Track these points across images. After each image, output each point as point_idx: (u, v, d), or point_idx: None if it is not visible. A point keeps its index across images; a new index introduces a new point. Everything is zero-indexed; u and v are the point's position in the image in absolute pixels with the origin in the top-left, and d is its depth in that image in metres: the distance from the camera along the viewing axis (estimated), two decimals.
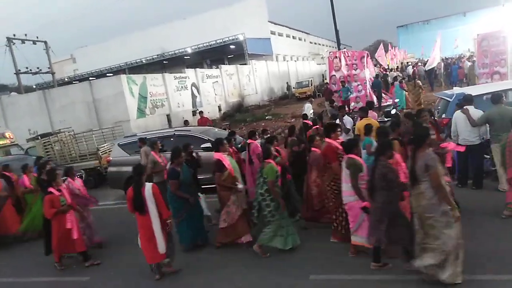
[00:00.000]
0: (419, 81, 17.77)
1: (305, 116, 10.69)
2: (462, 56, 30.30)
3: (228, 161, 6.06)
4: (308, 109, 15.21)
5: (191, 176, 6.38)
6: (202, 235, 6.32)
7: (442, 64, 24.68)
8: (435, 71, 23.49)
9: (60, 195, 6.03)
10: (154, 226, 5.12)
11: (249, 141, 7.50)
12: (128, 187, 5.37)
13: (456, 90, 10.02)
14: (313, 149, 6.25)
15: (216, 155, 6.13)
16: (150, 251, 5.23)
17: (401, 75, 25.39)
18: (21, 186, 8.06)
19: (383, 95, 18.87)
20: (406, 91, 16.70)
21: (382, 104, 17.20)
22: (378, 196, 4.37)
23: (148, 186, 5.21)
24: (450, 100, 8.07)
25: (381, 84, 19.31)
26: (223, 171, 5.88)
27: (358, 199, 4.73)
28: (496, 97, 6.49)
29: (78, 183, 7.14)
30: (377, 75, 21.26)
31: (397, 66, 28.93)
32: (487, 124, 6.51)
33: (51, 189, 5.96)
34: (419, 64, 31.48)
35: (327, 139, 5.83)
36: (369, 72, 18.89)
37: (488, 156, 7.01)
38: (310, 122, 9.39)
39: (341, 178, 5.06)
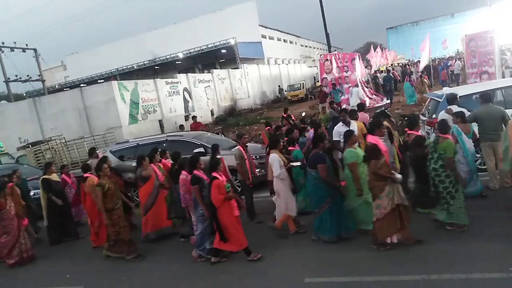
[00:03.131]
0: (425, 79, 18.23)
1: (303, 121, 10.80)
2: (446, 57, 30.65)
3: (384, 145, 5.48)
4: (357, 93, 15.83)
5: (331, 164, 6.00)
6: (347, 227, 5.66)
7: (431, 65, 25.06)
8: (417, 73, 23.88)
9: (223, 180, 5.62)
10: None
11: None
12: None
13: (446, 90, 10.13)
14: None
15: (370, 139, 5.58)
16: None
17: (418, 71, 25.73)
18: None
19: (374, 96, 19.05)
20: (414, 87, 17.36)
21: (373, 106, 17.33)
22: None
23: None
24: (440, 100, 8.15)
25: (392, 79, 20.13)
26: (380, 158, 5.06)
27: None
28: (485, 97, 6.57)
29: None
30: (388, 70, 21.94)
31: (388, 69, 29.19)
32: (475, 123, 6.58)
33: (215, 174, 5.55)
34: (409, 65, 31.78)
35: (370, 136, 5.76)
36: (360, 74, 19.08)
37: (479, 155, 7.08)
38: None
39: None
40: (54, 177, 8.13)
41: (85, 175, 7.40)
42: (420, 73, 21.30)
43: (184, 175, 6.15)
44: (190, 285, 5.30)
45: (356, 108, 9.00)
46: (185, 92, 26.60)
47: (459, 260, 4.56)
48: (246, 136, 7.62)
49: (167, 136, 10.35)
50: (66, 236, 8.01)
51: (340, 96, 17.41)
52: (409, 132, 6.29)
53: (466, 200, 5.40)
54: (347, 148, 5.65)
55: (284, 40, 55.19)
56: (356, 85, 17.64)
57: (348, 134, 5.75)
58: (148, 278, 5.72)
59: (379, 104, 17.08)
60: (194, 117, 17.22)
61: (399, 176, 5.04)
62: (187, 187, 6.01)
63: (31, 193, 9.12)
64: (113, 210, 6.28)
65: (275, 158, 6.02)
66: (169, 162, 7.44)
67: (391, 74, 21.81)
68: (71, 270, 6.49)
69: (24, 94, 37.57)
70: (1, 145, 14.91)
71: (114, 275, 6.01)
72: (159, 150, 7.91)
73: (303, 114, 14.82)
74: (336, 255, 5.28)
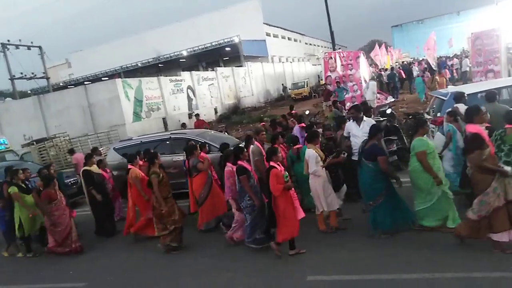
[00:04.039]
0: (437, 77, 18.26)
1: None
2: (451, 56, 30.45)
3: (487, 135, 4.96)
4: (373, 87, 16.04)
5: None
6: (404, 219, 5.50)
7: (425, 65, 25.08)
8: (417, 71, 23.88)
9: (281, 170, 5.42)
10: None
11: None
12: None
13: (451, 88, 10.05)
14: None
15: (471, 128, 5.07)
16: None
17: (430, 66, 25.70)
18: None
19: (378, 95, 18.94)
20: (425, 84, 17.57)
21: (378, 104, 17.25)
22: None
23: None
24: (445, 98, 8.09)
25: (396, 76, 20.24)
26: (484, 148, 4.53)
27: None
28: (490, 95, 6.51)
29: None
30: (392, 68, 21.98)
31: (392, 66, 29.06)
32: None
33: (273, 163, 5.39)
34: (413, 63, 31.59)
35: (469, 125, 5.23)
36: (366, 72, 19.02)
37: None
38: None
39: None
40: (95, 168, 7.98)
41: (129, 166, 7.29)
42: (423, 71, 21.36)
43: (229, 167, 6.10)
44: (193, 282, 5.31)
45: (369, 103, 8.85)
46: (189, 90, 26.63)
47: (461, 259, 4.53)
48: (264, 132, 7.51)
49: (171, 133, 10.35)
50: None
51: (345, 94, 17.33)
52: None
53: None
54: (416, 137, 5.30)
55: (288, 38, 55.07)
56: (372, 79, 17.74)
57: (421, 123, 5.45)
58: (151, 275, 5.73)
59: (384, 103, 16.99)
60: (197, 115, 17.23)
61: (508, 168, 4.47)
62: (234, 179, 5.93)
63: None
64: (167, 199, 6.27)
65: (311, 154, 5.78)
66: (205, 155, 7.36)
67: (395, 72, 21.92)
68: (75, 266, 6.52)
69: (29, 92, 37.84)
70: (5, 142, 15.01)
71: (117, 272, 6.04)
72: (199, 143, 7.95)
73: (307, 112, 14.80)
74: (338, 253, 5.26)
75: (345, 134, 7.12)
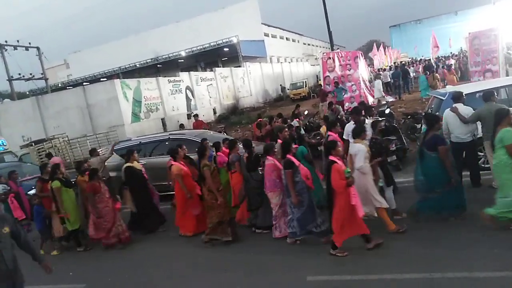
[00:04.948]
0: (437, 74, 18.39)
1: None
2: (441, 57, 30.61)
3: None
4: (378, 85, 16.92)
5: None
6: (461, 207, 5.52)
7: (420, 66, 25.27)
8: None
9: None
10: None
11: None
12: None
13: (449, 88, 10.08)
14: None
15: None
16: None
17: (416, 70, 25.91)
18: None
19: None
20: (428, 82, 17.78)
21: (376, 104, 17.28)
22: None
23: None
24: (443, 98, 8.10)
25: (400, 74, 21.24)
26: None
27: None
28: (487, 95, 6.51)
29: None
30: (396, 66, 22.17)
31: (390, 66, 29.18)
32: (478, 122, 6.54)
33: (333, 158, 5.15)
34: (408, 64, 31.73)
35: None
36: (365, 72, 19.10)
37: (482, 153, 7.05)
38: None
39: None
40: (137, 165, 7.81)
41: (171, 162, 7.19)
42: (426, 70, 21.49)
43: (270, 160, 5.99)
44: (193, 282, 5.31)
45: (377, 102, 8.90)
46: (187, 91, 26.62)
47: (462, 259, 4.54)
48: (287, 129, 7.54)
49: (170, 134, 10.35)
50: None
51: (343, 94, 17.36)
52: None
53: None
54: (500, 128, 5.03)
55: (286, 38, 55.11)
56: (377, 77, 17.91)
57: (505, 112, 5.20)
58: (150, 276, 5.73)
59: (382, 103, 17.01)
60: (196, 116, 17.22)
61: None
62: (278, 173, 5.84)
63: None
64: (218, 191, 6.26)
65: (362, 148, 5.44)
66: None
67: (399, 70, 22.31)
68: (74, 267, 6.51)
69: (27, 93, 37.69)
70: (4, 143, 14.98)
71: (117, 273, 6.03)
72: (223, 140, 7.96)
73: (306, 112, 14.80)
74: None
75: (344, 137, 6.99)
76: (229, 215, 6.42)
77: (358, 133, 5.72)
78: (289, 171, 5.47)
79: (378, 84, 17.29)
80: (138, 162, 8.04)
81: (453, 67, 22.04)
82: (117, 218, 7.06)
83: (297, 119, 11.49)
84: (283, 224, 5.96)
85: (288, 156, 5.61)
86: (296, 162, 5.63)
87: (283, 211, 5.95)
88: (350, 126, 6.92)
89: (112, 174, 9.72)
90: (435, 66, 22.62)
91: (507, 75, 12.90)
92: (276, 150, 5.96)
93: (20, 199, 8.23)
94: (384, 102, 16.99)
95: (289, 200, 5.65)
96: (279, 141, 6.91)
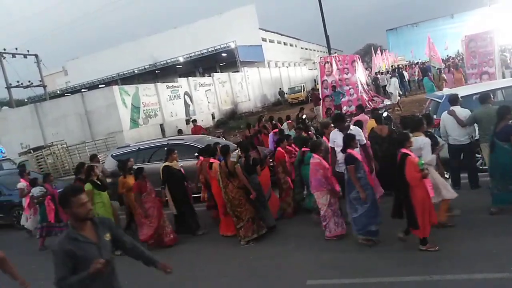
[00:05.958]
0: (443, 75, 18.44)
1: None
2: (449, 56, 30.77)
3: None
4: (394, 84, 17.83)
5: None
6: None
7: (417, 69, 25.40)
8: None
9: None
10: None
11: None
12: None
13: (446, 91, 10.13)
14: None
15: None
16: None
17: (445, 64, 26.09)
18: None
19: (374, 98, 19.04)
20: (433, 83, 17.89)
21: (374, 107, 17.35)
22: None
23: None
24: (441, 101, 8.15)
25: (404, 76, 21.71)
26: None
27: None
28: (484, 97, 6.55)
29: None
30: (399, 68, 22.65)
31: (387, 70, 29.32)
32: (475, 124, 6.57)
33: (404, 150, 4.93)
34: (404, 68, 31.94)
35: None
36: (363, 75, 19.16)
37: (480, 155, 7.07)
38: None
39: None
40: (175, 164, 7.57)
41: (210, 160, 7.17)
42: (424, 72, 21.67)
43: (317, 158, 5.82)
44: (192, 286, 5.30)
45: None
46: (186, 96, 26.68)
47: (461, 261, 4.55)
48: (332, 125, 7.63)
49: (168, 140, 10.37)
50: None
51: (341, 98, 17.41)
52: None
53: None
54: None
55: (284, 43, 55.35)
56: (394, 76, 18.31)
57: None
58: (149, 278, 5.70)
59: (380, 106, 17.08)
60: (194, 121, 17.25)
61: None
62: (324, 172, 5.74)
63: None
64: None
65: (426, 141, 5.28)
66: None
67: (402, 72, 22.67)
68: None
69: (26, 100, 37.76)
70: (3, 151, 14.97)
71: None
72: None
73: (304, 116, 14.86)
74: (338, 257, 5.26)
75: (330, 145, 6.38)
76: (253, 213, 6.41)
77: (418, 126, 5.47)
78: (351, 166, 5.29)
79: (395, 82, 18.16)
80: (178, 161, 7.75)
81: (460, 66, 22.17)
82: (163, 218, 6.96)
83: (289, 121, 11.63)
84: (333, 225, 5.77)
85: (349, 150, 5.38)
86: (359, 157, 5.46)
87: (333, 210, 5.75)
88: (335, 134, 6.31)
89: (108, 180, 9.74)
90: (443, 66, 22.74)
91: (504, 77, 12.96)
92: (323, 148, 5.82)
93: (55, 201, 8.14)
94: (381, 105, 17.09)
95: (352, 196, 5.40)
96: (325, 138, 6.76)
